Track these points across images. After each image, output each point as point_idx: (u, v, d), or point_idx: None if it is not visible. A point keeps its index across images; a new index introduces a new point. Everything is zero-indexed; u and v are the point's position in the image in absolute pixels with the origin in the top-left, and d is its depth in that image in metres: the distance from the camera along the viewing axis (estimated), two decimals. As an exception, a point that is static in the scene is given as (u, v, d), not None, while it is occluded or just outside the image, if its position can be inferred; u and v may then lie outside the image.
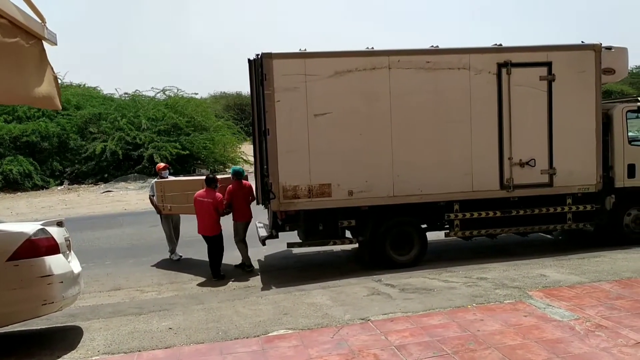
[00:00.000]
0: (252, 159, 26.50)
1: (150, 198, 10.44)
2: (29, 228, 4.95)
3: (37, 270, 4.80)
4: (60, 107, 4.23)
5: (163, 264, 9.79)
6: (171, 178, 10.89)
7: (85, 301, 7.39)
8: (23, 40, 4.05)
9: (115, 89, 35.59)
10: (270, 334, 5.10)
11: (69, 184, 23.96)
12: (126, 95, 28.28)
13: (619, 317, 4.93)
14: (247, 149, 30.98)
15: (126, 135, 24.46)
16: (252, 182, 9.77)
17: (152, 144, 24.29)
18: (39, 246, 4.86)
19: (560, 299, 5.59)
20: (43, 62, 4.29)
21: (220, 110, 39.09)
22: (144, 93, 28.60)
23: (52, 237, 5.04)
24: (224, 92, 54.64)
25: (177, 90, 28.49)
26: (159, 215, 10.28)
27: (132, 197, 20.89)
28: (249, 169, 25.82)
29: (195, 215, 8.80)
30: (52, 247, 4.99)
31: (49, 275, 4.85)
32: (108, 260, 10.35)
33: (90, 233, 12.79)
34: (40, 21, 4.47)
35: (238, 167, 9.46)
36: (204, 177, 8.87)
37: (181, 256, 10.10)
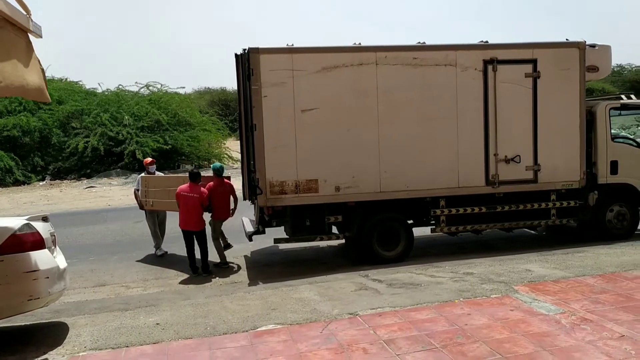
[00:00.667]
0: (236, 154, 26.37)
1: (135, 192, 10.35)
2: (14, 223, 4.87)
3: (22, 265, 4.74)
4: (49, 100, 4.18)
5: (148, 260, 9.71)
6: (158, 174, 10.76)
7: (70, 297, 7.30)
8: (12, 32, 4.00)
9: (98, 84, 35.13)
10: (259, 329, 5.09)
11: (51, 180, 23.65)
12: (109, 90, 27.95)
13: (603, 311, 5.00)
14: (231, 145, 30.89)
15: (108, 131, 24.19)
16: (238, 178, 9.76)
17: (135, 140, 24.07)
18: (24, 241, 4.79)
19: (545, 293, 5.66)
20: (31, 55, 4.24)
21: (204, 105, 38.84)
22: (127, 88, 28.30)
23: (38, 232, 4.97)
24: (208, 88, 54.28)
25: (161, 85, 28.25)
26: (143, 211, 10.19)
27: (115, 192, 20.70)
28: (234, 165, 25.81)
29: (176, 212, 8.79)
30: (38, 242, 4.92)
31: (34, 271, 4.78)
32: (92, 256, 10.24)
33: (73, 229, 12.63)
34: (25, 13, 4.42)
35: (218, 164, 9.33)
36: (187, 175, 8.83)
37: (166, 252, 9.98)
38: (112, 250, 10.81)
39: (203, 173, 9.16)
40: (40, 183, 23.02)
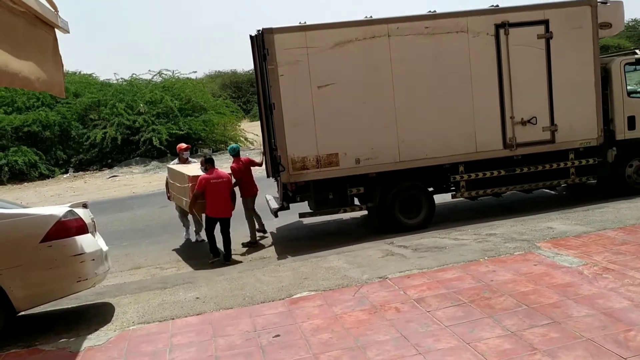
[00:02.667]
0: (251, 136, 26.52)
1: (166, 180, 10.13)
2: (59, 210, 5.17)
3: (69, 249, 5.04)
4: (64, 95, 4.41)
5: (178, 243, 10.03)
6: (192, 161, 10.29)
7: (109, 281, 7.61)
8: (43, 29, 4.21)
9: (113, 74, 35.55)
10: (294, 297, 5.36)
11: (74, 172, 24.15)
12: (123, 80, 28.26)
13: (624, 261, 5.17)
14: (246, 127, 31.11)
15: (125, 120, 24.55)
16: (259, 156, 9.99)
17: (151, 127, 24.41)
18: (69, 227, 5.08)
19: (567, 247, 5.83)
20: (57, 51, 4.46)
21: (216, 89, 39.05)
22: (141, 77, 28.59)
23: (81, 218, 5.27)
24: (219, 71, 54.40)
25: (173, 72, 28.47)
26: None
27: (138, 180, 21.11)
28: (250, 147, 26.06)
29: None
30: (81, 227, 5.22)
31: (81, 254, 5.09)
32: (125, 241, 10.60)
33: (103, 217, 12.96)
34: (53, 10, 4.63)
35: (233, 144, 9.63)
36: (189, 168, 8.87)
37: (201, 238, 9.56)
38: (143, 235, 11.16)
39: (220, 156, 9.36)
40: (64, 176, 23.53)
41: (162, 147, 24.03)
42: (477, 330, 4.03)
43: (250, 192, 9.09)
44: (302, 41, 8.16)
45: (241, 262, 8.22)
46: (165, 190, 10.32)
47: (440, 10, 8.66)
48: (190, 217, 9.73)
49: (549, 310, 4.22)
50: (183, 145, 10.29)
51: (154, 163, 24.00)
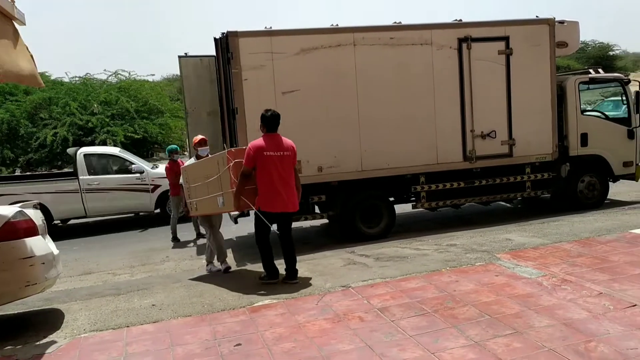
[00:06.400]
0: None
1: (181, 188, 7.77)
2: (8, 211, 4.88)
3: (18, 252, 4.76)
4: (43, 85, 4.22)
5: (132, 248, 9.71)
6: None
7: (57, 287, 7.26)
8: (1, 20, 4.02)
9: (65, 73, 34.40)
10: (255, 304, 5.23)
11: (22, 172, 23.17)
12: (77, 79, 27.39)
13: (581, 272, 5.29)
14: (204, 132, 30.59)
15: (78, 120, 23.76)
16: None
17: (105, 128, 23.71)
18: (18, 228, 4.81)
19: (526, 259, 5.93)
20: (19, 41, 4.25)
21: (174, 93, 38.38)
22: (95, 76, 27.80)
23: (31, 219, 4.99)
24: (177, 75, 53.39)
25: (129, 73, 27.81)
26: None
27: (89, 183, 20.43)
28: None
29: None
30: (31, 229, 4.95)
31: (30, 257, 4.81)
32: (75, 246, 10.20)
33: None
34: (9, 0, 4.42)
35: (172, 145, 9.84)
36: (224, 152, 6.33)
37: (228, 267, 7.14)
38: (94, 240, 10.81)
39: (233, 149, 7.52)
40: (11, 176, 22.53)
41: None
42: (442, 340, 4.02)
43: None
44: (268, 46, 8.08)
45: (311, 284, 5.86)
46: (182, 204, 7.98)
47: (405, 22, 8.75)
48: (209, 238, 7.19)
49: (511, 320, 4.26)
50: (198, 137, 7.49)
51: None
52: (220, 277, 6.63)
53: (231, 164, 5.82)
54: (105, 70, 31.44)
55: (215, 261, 7.21)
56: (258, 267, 6.81)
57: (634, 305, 4.33)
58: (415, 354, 3.84)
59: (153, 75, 50.72)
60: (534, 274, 5.34)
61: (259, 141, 5.81)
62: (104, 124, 23.90)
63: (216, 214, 6.93)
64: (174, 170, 9.73)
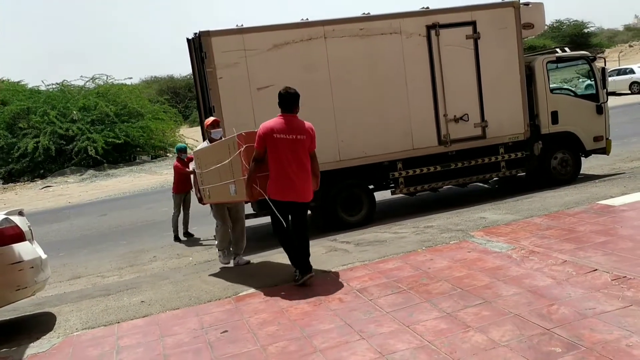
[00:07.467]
0: (191, 142, 26.28)
1: (192, 178, 7.82)
2: (-7, 219, 5.02)
3: (6, 258, 4.90)
4: None
5: (119, 250, 9.84)
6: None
7: (48, 292, 7.42)
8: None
9: (42, 81, 34.15)
10: (240, 294, 5.44)
11: (3, 184, 23.10)
12: (54, 87, 27.28)
13: (548, 244, 5.56)
14: (186, 132, 30.70)
15: (58, 129, 23.71)
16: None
17: (85, 136, 23.69)
18: (5, 235, 4.95)
19: (498, 235, 6.19)
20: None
21: (153, 95, 38.30)
22: (72, 83, 27.71)
23: (17, 225, 5.14)
24: (155, 77, 53.36)
25: (107, 77, 27.75)
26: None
27: (73, 190, 20.48)
28: (190, 152, 25.75)
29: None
30: (18, 235, 5.09)
31: (19, 262, 4.96)
32: (62, 252, 10.30)
33: (37, 228, 12.38)
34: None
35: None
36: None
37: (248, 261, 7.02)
38: (81, 245, 10.89)
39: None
40: (-6, 187, 22.48)
41: (98, 157, 23.40)
42: (416, 314, 4.25)
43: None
44: (240, 43, 8.24)
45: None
46: (194, 190, 7.57)
47: (374, 12, 8.94)
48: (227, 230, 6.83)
49: (481, 291, 4.51)
50: (210, 119, 7.17)
51: (90, 172, 23.33)
52: (206, 272, 6.81)
53: (242, 149, 5.34)
54: (82, 76, 31.31)
55: (240, 254, 6.96)
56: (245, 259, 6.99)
57: (594, 270, 4.61)
58: (392, 327, 4.07)
59: (131, 78, 50.46)
60: (504, 248, 5.61)
61: (270, 122, 5.34)
62: (84, 131, 23.88)
63: (229, 202, 6.53)
64: (180, 169, 9.84)
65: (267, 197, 5.31)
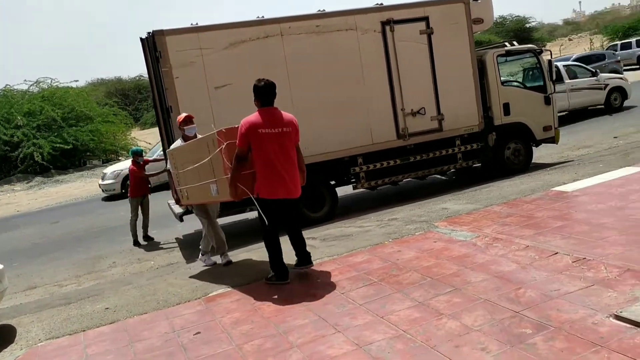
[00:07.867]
0: (143, 144, 25.76)
1: (168, 176, 7.08)
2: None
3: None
4: None
5: (75, 257, 9.53)
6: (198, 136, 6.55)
7: (3, 304, 7.09)
8: None
9: (-20, 87, 32.56)
10: (210, 294, 5.37)
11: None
12: (-5, 91, 26.14)
13: (510, 230, 5.73)
14: (137, 135, 30.01)
15: (2, 135, 22.74)
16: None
17: (31, 142, 22.81)
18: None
19: (461, 224, 6.34)
20: None
21: (101, 97, 37.25)
22: (15, 87, 26.62)
23: (-29, 235, 4.91)
24: (102, 79, 51.97)
25: (52, 81, 26.77)
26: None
27: (21, 198, 19.71)
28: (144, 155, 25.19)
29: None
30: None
31: (-26, 273, 4.74)
32: (14, 262, 9.90)
33: (-14, 239, 12.05)
34: None
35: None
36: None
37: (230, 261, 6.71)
38: (34, 254, 10.50)
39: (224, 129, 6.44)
40: None
41: (45, 163, 22.58)
42: (389, 304, 4.31)
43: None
44: (196, 42, 8.12)
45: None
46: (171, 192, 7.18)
47: (330, 9, 8.98)
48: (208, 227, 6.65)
49: (450, 279, 4.61)
50: (182, 115, 6.73)
51: (38, 178, 22.52)
52: (171, 275, 6.69)
53: (223, 146, 5.10)
54: (25, 80, 30.07)
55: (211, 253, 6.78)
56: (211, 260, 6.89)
57: (555, 253, 4.78)
58: (366, 319, 4.11)
59: (77, 81, 48.95)
60: (469, 237, 5.75)
61: (253, 117, 5.05)
62: (29, 137, 22.99)
63: (210, 202, 6.32)
64: (137, 173, 9.76)
65: (252, 196, 5.10)
